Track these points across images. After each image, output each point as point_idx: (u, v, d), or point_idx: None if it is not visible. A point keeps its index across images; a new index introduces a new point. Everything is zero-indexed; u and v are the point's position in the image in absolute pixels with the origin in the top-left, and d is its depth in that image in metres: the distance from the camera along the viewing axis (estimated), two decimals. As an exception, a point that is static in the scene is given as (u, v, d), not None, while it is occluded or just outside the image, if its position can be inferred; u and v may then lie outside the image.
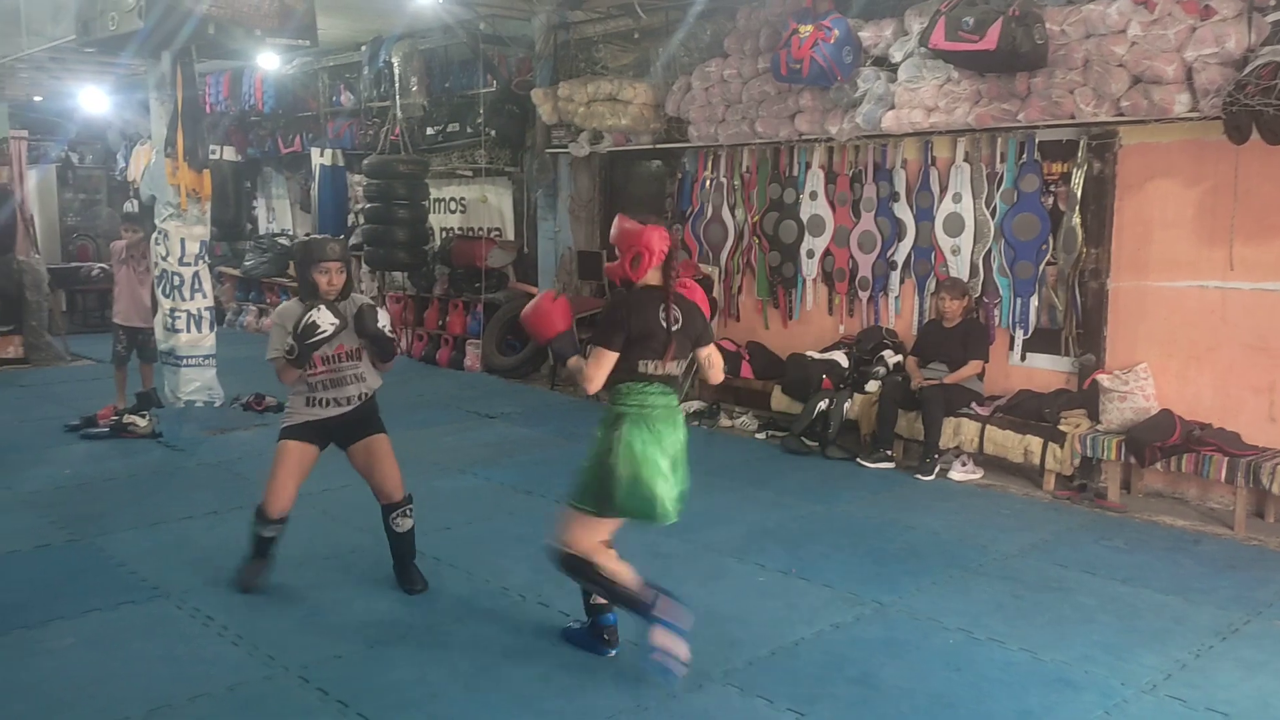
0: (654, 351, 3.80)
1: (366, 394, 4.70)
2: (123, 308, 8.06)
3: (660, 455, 3.79)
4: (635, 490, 3.74)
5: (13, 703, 3.68)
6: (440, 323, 11.02)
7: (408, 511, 4.69)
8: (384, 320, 4.60)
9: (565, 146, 9.35)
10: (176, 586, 4.74)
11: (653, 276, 3.86)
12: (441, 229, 11.68)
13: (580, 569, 3.86)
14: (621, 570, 3.84)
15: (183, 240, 7.45)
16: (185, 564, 5.05)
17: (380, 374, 4.78)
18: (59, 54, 8.56)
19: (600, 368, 3.77)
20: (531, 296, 10.70)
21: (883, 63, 7.13)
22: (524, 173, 10.55)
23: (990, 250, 7.03)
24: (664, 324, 3.81)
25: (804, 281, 8.18)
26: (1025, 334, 6.90)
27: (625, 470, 3.73)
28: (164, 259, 7.47)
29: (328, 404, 4.61)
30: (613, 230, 3.95)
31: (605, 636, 4.07)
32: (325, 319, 4.37)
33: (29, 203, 11.54)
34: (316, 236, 5.05)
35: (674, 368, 3.87)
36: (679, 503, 3.90)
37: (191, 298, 7.55)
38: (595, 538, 3.87)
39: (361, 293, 4.63)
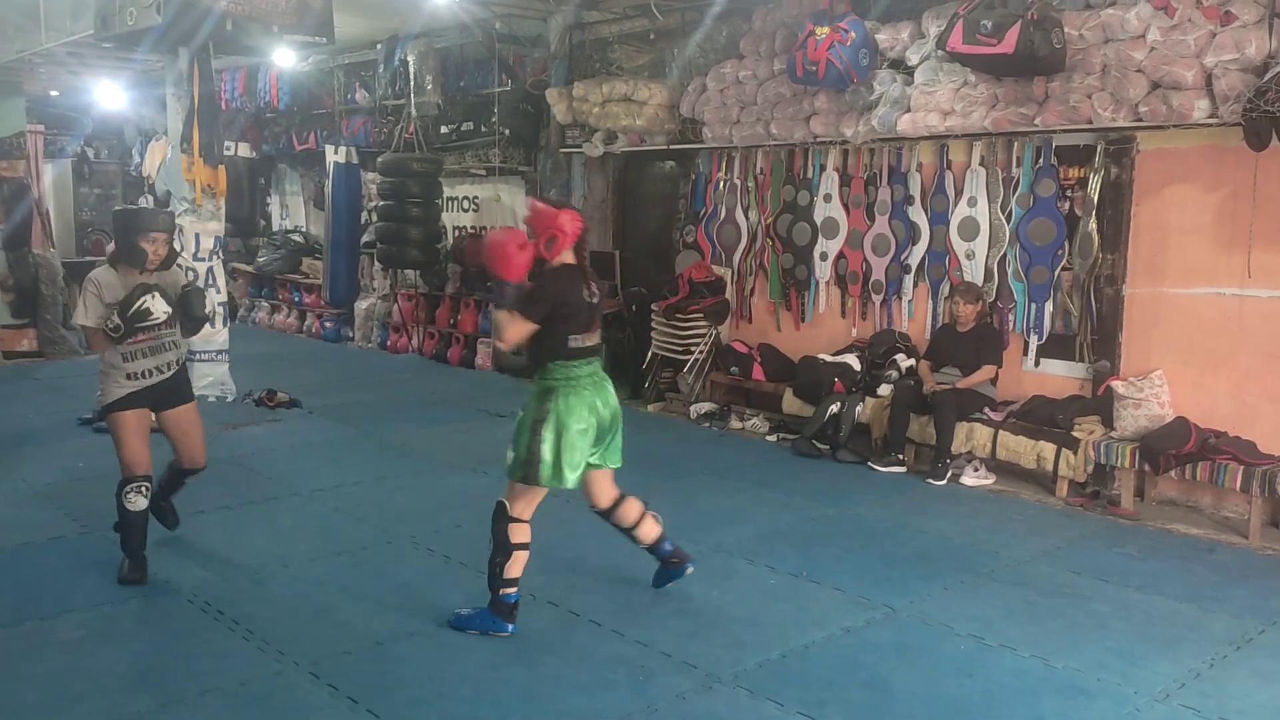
0: (580, 325, 4.13)
1: (182, 359, 4.97)
2: None
3: (592, 419, 4.17)
4: (563, 459, 4.10)
5: (25, 693, 3.70)
6: (452, 321, 11.03)
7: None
8: (208, 305, 4.72)
9: (579, 147, 9.35)
10: (189, 581, 4.76)
11: (568, 256, 4.15)
12: (454, 228, 11.69)
13: (501, 538, 4.18)
14: (523, 563, 4.22)
15: (197, 236, 7.50)
16: (197, 558, 5.07)
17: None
18: (77, 49, 8.60)
19: (518, 331, 4.08)
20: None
21: (899, 65, 7.11)
22: (538, 172, 10.54)
23: (1005, 255, 7.00)
24: (586, 299, 4.15)
25: (817, 284, 8.16)
26: (1039, 339, 6.86)
27: (554, 440, 4.09)
28: (179, 254, 7.49)
29: (150, 374, 4.77)
30: (528, 213, 4.25)
31: (677, 557, 4.60)
32: (159, 307, 4.58)
33: (45, 197, 11.61)
34: (146, 206, 5.21)
35: (596, 338, 4.26)
36: (614, 453, 4.36)
37: (205, 293, 7.57)
38: (530, 508, 4.21)
39: (181, 267, 4.78)
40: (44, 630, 4.22)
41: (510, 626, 4.21)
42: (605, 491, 4.46)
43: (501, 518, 4.20)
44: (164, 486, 5.16)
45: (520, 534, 4.20)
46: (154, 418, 4.90)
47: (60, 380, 9.73)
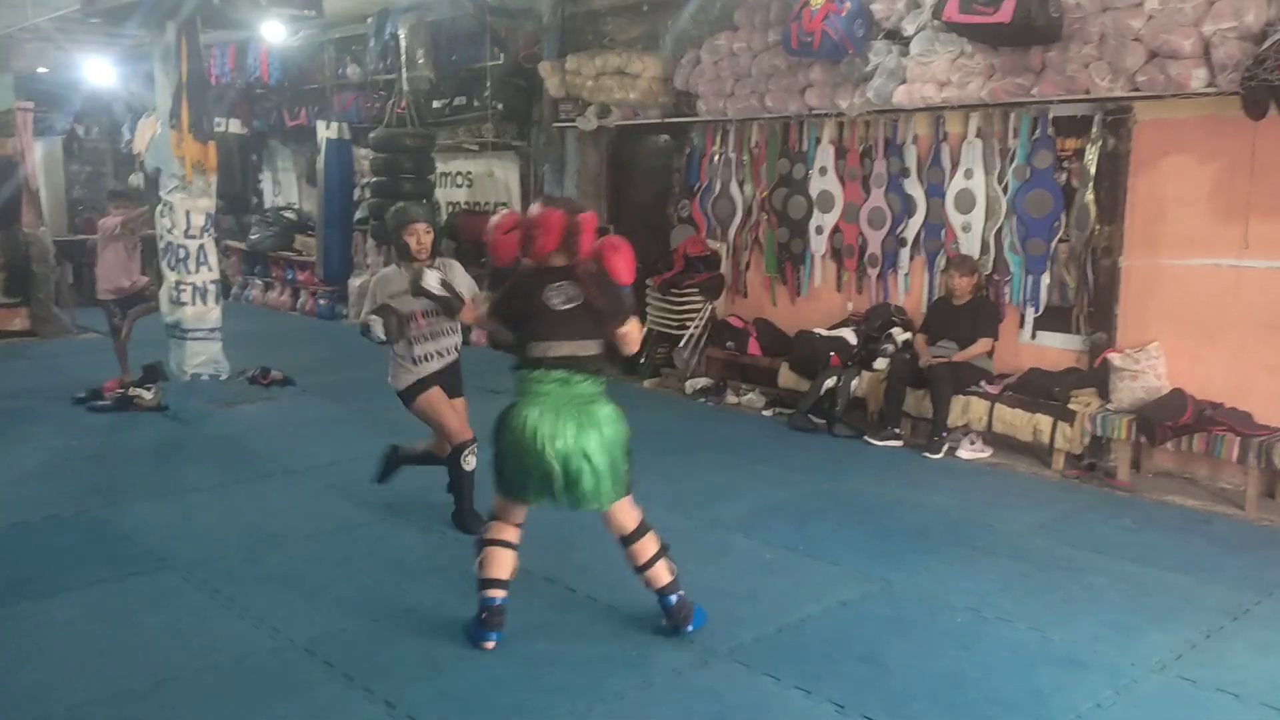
0: (540, 333, 3.78)
1: (460, 345, 5.12)
2: (109, 282, 7.99)
3: (539, 448, 3.71)
4: (515, 470, 3.81)
5: (21, 673, 3.69)
6: (447, 298, 10.97)
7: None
8: (430, 280, 4.67)
9: (573, 121, 9.28)
10: (183, 559, 4.75)
11: (557, 259, 3.81)
12: (448, 203, 11.61)
13: (478, 540, 3.98)
14: (503, 562, 3.90)
15: (188, 213, 7.42)
16: (191, 536, 5.06)
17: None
18: (64, 24, 8.50)
19: (484, 319, 4.08)
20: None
21: (895, 36, 7.04)
22: (531, 147, 10.47)
23: (1002, 227, 6.96)
24: (553, 304, 3.76)
25: (812, 258, 8.12)
26: (1036, 312, 6.84)
27: (507, 449, 3.82)
28: (169, 231, 7.44)
29: (430, 358, 5.00)
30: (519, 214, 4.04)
31: (679, 613, 3.97)
32: (376, 329, 4.78)
33: (35, 175, 11.51)
34: (409, 203, 5.37)
35: (568, 350, 3.77)
36: (572, 499, 3.81)
37: (197, 271, 7.53)
38: (506, 515, 3.92)
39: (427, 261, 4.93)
40: (39, 610, 4.21)
41: (493, 635, 3.88)
42: (611, 524, 3.96)
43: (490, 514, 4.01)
44: (407, 460, 5.42)
45: (494, 529, 3.94)
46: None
47: (53, 359, 9.70)
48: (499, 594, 3.86)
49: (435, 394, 5.02)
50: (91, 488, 5.79)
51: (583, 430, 3.74)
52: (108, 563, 4.69)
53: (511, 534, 3.93)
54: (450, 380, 5.10)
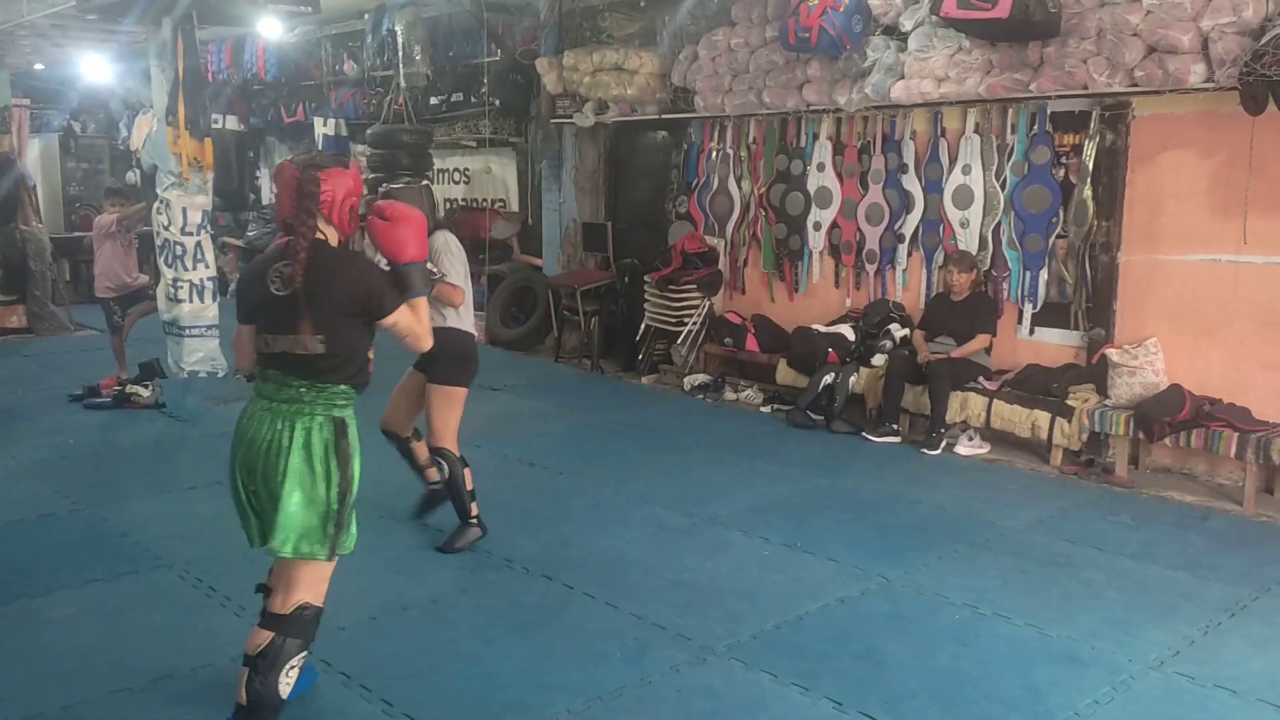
0: (263, 323, 3.08)
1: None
2: (108, 280, 7.96)
3: (241, 459, 3.11)
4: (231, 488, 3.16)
5: (16, 671, 3.68)
6: (444, 294, 10.95)
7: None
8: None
9: (570, 117, 9.26)
10: (179, 557, 4.73)
11: (290, 226, 3.02)
12: (445, 200, 11.59)
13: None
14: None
15: (185, 210, 7.41)
16: (188, 534, 5.04)
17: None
18: (60, 21, 8.46)
19: (237, 339, 3.23)
20: (538, 270, 10.60)
21: (893, 32, 7.02)
22: (529, 143, 10.46)
23: (1000, 223, 6.95)
24: (272, 288, 3.01)
25: (810, 254, 8.11)
26: (1034, 308, 6.83)
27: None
28: (166, 228, 7.43)
29: None
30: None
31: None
32: None
33: (32, 172, 11.48)
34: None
35: (292, 345, 3.01)
36: (281, 536, 3.03)
37: (194, 268, 7.51)
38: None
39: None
40: (35, 608, 4.20)
41: None
42: (280, 584, 3.16)
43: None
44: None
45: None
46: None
47: (50, 357, 9.67)
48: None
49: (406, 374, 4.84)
50: (88, 485, 5.78)
51: (277, 448, 3.02)
52: (104, 560, 4.68)
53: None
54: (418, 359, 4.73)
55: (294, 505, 3.01)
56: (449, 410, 4.69)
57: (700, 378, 8.29)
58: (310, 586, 3.12)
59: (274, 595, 3.15)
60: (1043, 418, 6.29)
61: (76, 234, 13.67)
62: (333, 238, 3.09)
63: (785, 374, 7.68)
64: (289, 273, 2.97)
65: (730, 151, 8.52)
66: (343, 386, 3.09)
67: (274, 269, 3.02)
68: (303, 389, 3.04)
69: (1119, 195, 6.35)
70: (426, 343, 3.24)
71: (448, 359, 4.54)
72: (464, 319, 4.71)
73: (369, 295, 3.06)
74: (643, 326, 8.77)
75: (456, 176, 11.57)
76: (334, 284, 3.02)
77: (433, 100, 10.94)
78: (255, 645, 3.06)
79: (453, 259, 4.66)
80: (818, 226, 8.01)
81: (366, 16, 10.74)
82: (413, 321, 3.17)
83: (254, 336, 3.12)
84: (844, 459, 6.46)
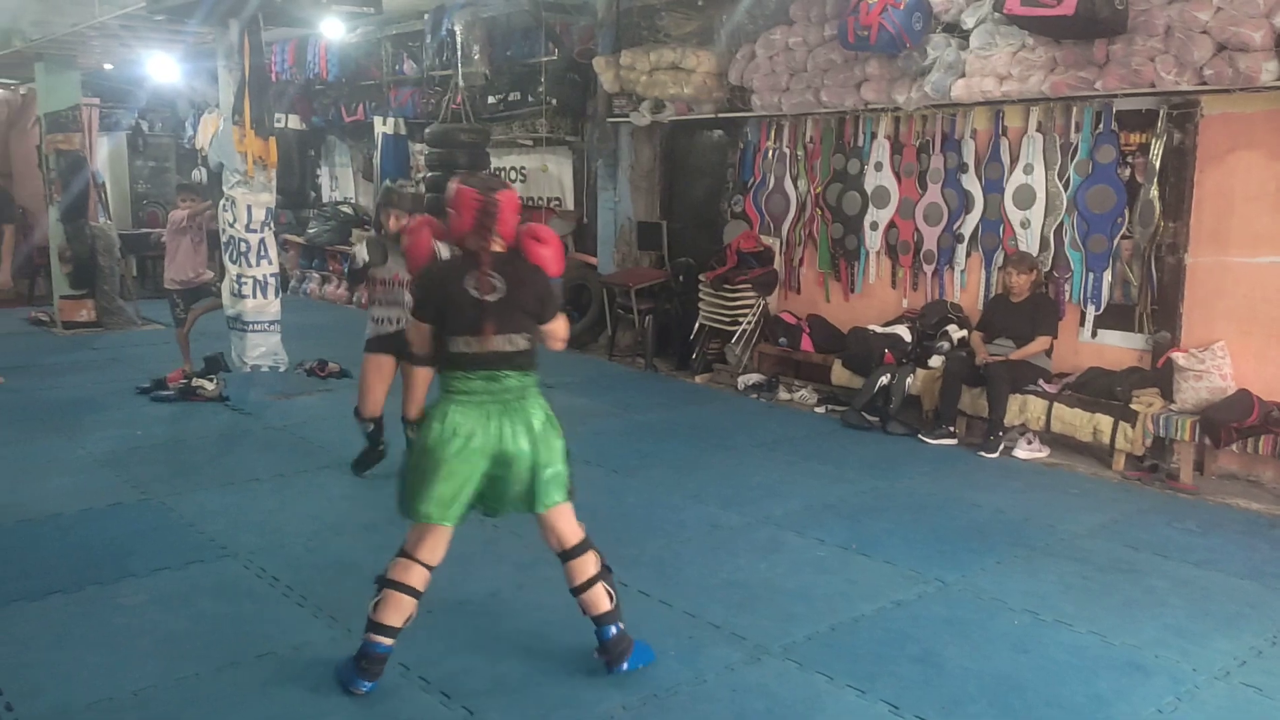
0: (463, 326, 3.40)
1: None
2: (177, 273, 8.16)
3: (478, 449, 3.39)
4: (425, 490, 3.40)
5: (87, 656, 3.78)
6: (500, 292, 11.04)
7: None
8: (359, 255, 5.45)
9: (626, 116, 9.29)
10: (243, 547, 4.84)
11: (469, 240, 3.44)
12: (502, 198, 11.67)
13: (380, 578, 3.53)
14: (402, 610, 3.48)
15: (249, 207, 7.54)
16: (252, 525, 5.15)
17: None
18: (130, 22, 8.66)
19: (417, 333, 3.56)
20: (593, 268, 10.65)
21: (954, 29, 6.95)
22: (585, 142, 10.51)
23: (1062, 223, 6.84)
24: (473, 293, 3.39)
25: (867, 254, 8.05)
26: (1097, 310, 6.71)
27: (419, 463, 3.43)
28: (231, 225, 7.57)
29: (384, 322, 5.52)
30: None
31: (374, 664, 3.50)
32: (360, 251, 5.49)
33: (101, 170, 11.78)
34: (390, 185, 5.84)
35: (497, 345, 3.40)
36: (513, 501, 3.50)
37: (257, 264, 7.64)
38: (421, 551, 3.47)
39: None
40: (105, 595, 4.31)
41: (365, 685, 3.47)
42: (551, 536, 3.61)
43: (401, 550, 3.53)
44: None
45: (401, 571, 3.48)
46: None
47: (118, 350, 9.93)
48: (387, 641, 3.47)
49: (377, 361, 5.53)
50: (155, 476, 5.93)
51: (513, 426, 3.42)
52: (172, 549, 4.80)
53: (419, 579, 3.48)
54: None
55: (554, 468, 3.51)
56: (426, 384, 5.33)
57: (754, 377, 8.27)
58: (571, 522, 3.62)
59: (551, 538, 3.61)
60: (1105, 422, 6.18)
61: (144, 230, 14.02)
62: (500, 248, 3.49)
63: (840, 375, 7.63)
64: (496, 282, 3.41)
65: (787, 150, 8.49)
66: (534, 371, 3.57)
67: (473, 278, 3.41)
68: (513, 379, 3.47)
69: (1186, 195, 6.22)
70: (561, 345, 3.67)
71: None
72: None
73: (546, 301, 3.56)
74: (697, 325, 8.77)
75: (513, 175, 11.66)
76: (525, 290, 3.48)
77: (490, 99, 11.04)
78: (581, 573, 3.59)
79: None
80: (875, 226, 7.95)
81: (426, 17, 10.87)
82: (560, 326, 3.63)
83: (429, 333, 3.52)
84: (900, 461, 6.40)
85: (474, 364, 3.42)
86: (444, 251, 4.21)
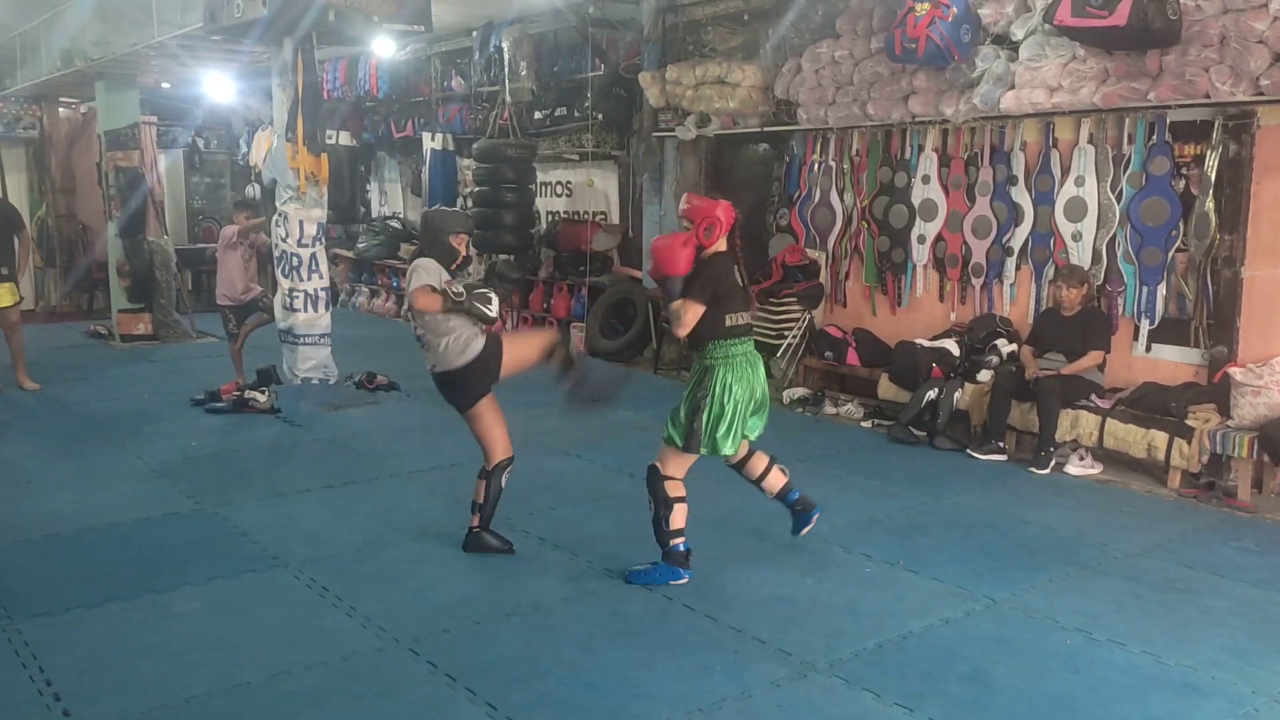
0: (735, 305, 4.53)
1: (436, 365, 4.83)
2: (228, 289, 8.32)
3: (747, 394, 4.52)
4: (719, 429, 4.47)
5: (142, 663, 3.86)
6: (545, 305, 11.13)
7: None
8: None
9: (672, 130, 9.32)
10: (295, 557, 4.91)
11: (721, 244, 4.55)
12: (548, 212, 11.78)
13: (661, 494, 4.55)
14: (685, 514, 4.60)
15: (301, 222, 7.69)
16: (303, 536, 5.23)
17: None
18: (188, 42, 8.88)
19: (693, 314, 4.46)
20: (638, 282, 10.68)
21: (1003, 41, 6.89)
22: (630, 156, 10.55)
23: (1115, 236, 6.74)
24: (739, 281, 4.57)
25: (914, 267, 8.00)
26: (1151, 324, 6.60)
27: (714, 413, 4.46)
28: (283, 240, 7.72)
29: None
30: (683, 205, 4.63)
31: (803, 504, 4.95)
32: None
33: (159, 186, 12.05)
34: (451, 210, 5.49)
35: (749, 318, 4.65)
36: (761, 428, 4.72)
37: (309, 278, 7.79)
38: (683, 469, 4.59)
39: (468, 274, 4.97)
40: (161, 603, 4.40)
41: (686, 573, 4.56)
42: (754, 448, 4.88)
43: (656, 477, 4.56)
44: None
45: (676, 489, 4.58)
46: None
47: (174, 363, 10.14)
48: (684, 539, 4.59)
49: (493, 399, 4.87)
50: (209, 486, 6.04)
51: (758, 373, 4.61)
52: (225, 559, 4.89)
53: (684, 490, 4.61)
54: None
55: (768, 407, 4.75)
56: (480, 427, 4.88)
57: (800, 391, 8.24)
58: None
59: (749, 465, 4.90)
60: (1160, 438, 6.07)
61: (199, 245, 14.30)
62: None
63: (887, 389, 7.57)
64: (744, 270, 4.67)
65: (833, 164, 8.46)
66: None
67: (736, 270, 4.61)
68: (751, 342, 4.65)
69: (1243, 207, 6.11)
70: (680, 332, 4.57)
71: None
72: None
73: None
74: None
75: (559, 190, 11.74)
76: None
77: (537, 115, 11.13)
78: (776, 485, 4.93)
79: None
80: (922, 239, 7.89)
81: (474, 34, 11.01)
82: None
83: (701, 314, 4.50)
84: (948, 476, 6.34)
85: (740, 333, 4.55)
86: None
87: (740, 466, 4.87)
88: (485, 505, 4.91)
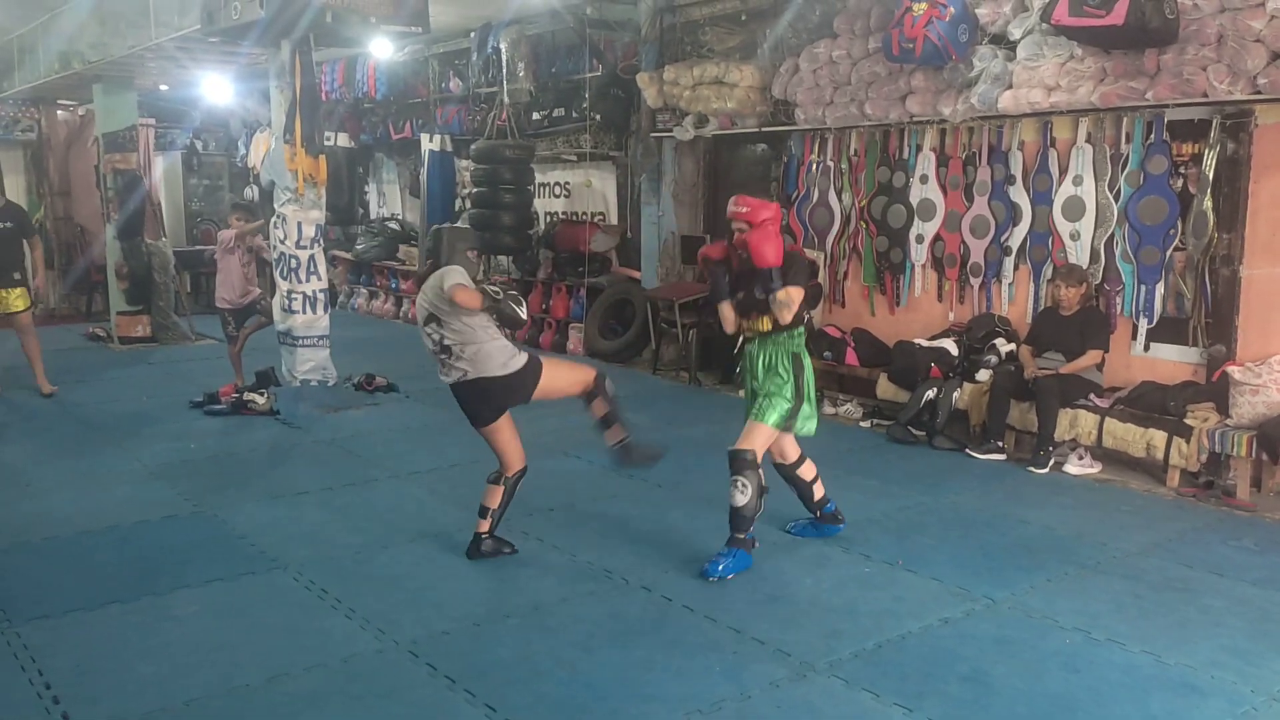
0: (809, 303, 5.12)
1: (466, 375, 4.79)
2: (227, 292, 8.31)
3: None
4: (807, 410, 4.83)
5: (140, 666, 3.86)
6: (544, 306, 11.12)
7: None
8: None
9: (670, 130, 9.32)
10: (293, 559, 4.91)
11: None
12: (546, 213, 11.78)
13: (746, 470, 4.67)
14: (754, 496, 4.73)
15: (299, 224, 7.68)
16: (302, 538, 5.22)
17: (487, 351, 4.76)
18: (185, 44, 8.87)
19: (800, 298, 4.76)
20: (636, 282, 10.66)
21: (1000, 40, 6.89)
22: (628, 157, 10.55)
23: (1113, 235, 6.75)
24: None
25: (912, 267, 8.00)
26: (1149, 323, 6.60)
27: (809, 394, 4.84)
28: (282, 242, 7.71)
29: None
30: (739, 207, 4.80)
31: (837, 516, 5.20)
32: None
33: (157, 189, 12.05)
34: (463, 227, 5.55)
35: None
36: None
37: (307, 280, 7.78)
38: (763, 450, 4.81)
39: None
40: (160, 605, 4.40)
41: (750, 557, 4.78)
42: (792, 448, 5.09)
43: (744, 460, 4.67)
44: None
45: (810, 469, 5.10)
46: None
47: (172, 365, 10.14)
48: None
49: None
50: (208, 488, 6.04)
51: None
52: (224, 561, 4.89)
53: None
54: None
55: None
56: (500, 440, 4.88)
57: (799, 391, 8.22)
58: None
59: (789, 449, 5.12)
60: (1159, 437, 6.07)
61: (198, 248, 14.31)
62: None
63: (886, 389, 7.57)
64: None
65: (831, 164, 8.46)
66: None
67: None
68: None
69: (1241, 206, 6.11)
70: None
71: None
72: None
73: None
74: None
75: (557, 190, 11.74)
76: None
77: (535, 115, 11.14)
78: (819, 492, 5.21)
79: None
80: (920, 239, 7.89)
81: (472, 35, 11.01)
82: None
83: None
84: (947, 476, 6.34)
85: (808, 326, 5.00)
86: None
87: (794, 469, 5.10)
88: (498, 511, 4.89)
